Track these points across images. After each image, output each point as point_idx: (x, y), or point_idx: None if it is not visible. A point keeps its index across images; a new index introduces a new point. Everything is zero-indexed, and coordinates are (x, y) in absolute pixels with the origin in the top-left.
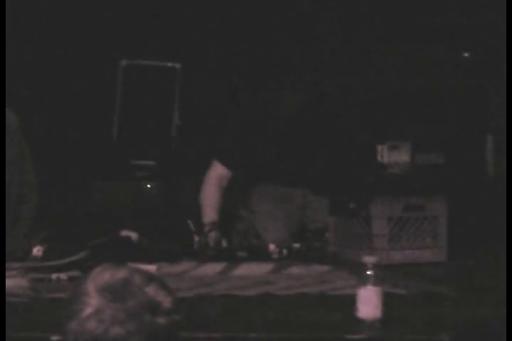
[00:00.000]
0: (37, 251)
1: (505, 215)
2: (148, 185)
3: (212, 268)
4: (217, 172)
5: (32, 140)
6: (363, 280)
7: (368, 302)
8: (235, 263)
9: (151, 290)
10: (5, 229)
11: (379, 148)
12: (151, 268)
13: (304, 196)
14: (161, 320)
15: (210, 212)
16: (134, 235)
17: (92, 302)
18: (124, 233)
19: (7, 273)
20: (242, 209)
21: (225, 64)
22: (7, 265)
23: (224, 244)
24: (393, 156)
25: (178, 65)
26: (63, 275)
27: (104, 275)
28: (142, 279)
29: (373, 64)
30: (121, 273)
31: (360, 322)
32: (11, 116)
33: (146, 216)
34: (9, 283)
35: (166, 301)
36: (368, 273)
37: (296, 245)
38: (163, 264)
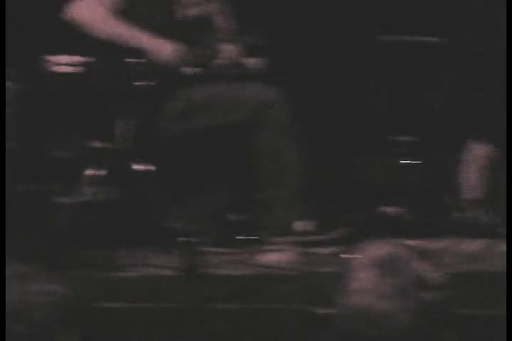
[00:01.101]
0: (301, 225)
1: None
2: (408, 161)
3: (473, 245)
4: (478, 151)
5: (294, 118)
6: None
7: None
8: (497, 240)
9: (419, 265)
10: (5, 228)
11: None
12: (412, 243)
13: None
14: (431, 296)
15: (471, 189)
16: (394, 211)
17: (361, 276)
18: (385, 209)
19: (273, 247)
20: (503, 185)
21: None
22: (273, 239)
23: (485, 220)
24: None
25: (437, 40)
26: (327, 250)
27: (372, 250)
28: (410, 254)
29: None
30: (388, 248)
31: None
32: (276, 96)
33: (406, 192)
34: (275, 257)
35: (434, 277)
36: None
37: None
38: (424, 240)
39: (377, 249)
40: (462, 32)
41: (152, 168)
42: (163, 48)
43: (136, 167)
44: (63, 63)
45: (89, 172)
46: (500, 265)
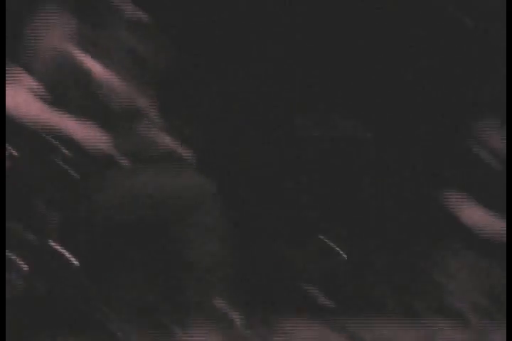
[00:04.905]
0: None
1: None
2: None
3: None
4: None
5: (229, 210)
6: None
7: None
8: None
9: None
10: (5, 228)
11: None
12: None
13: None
14: None
15: None
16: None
17: None
18: None
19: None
20: (439, 273)
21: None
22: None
23: None
24: None
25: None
26: None
27: None
28: None
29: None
30: None
31: None
32: (212, 186)
33: None
34: None
35: None
36: None
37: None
38: None
39: None
40: None
41: (76, 262)
42: (96, 138)
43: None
44: None
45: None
46: None
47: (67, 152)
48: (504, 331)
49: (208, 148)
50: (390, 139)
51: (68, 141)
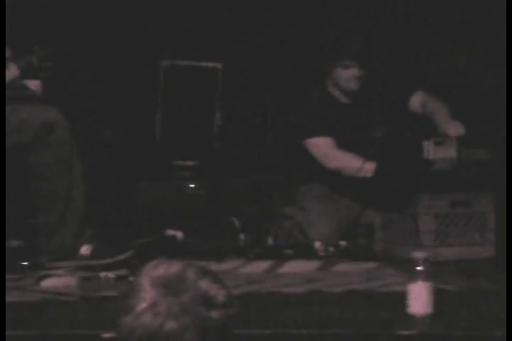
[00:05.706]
0: (85, 250)
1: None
2: (192, 185)
3: (258, 266)
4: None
5: (77, 141)
6: (414, 276)
7: (419, 298)
8: (282, 261)
9: (204, 283)
10: (5, 229)
11: (425, 143)
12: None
13: (352, 194)
14: (215, 314)
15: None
16: (179, 234)
17: (147, 296)
18: (170, 232)
19: (56, 272)
20: (289, 207)
21: (265, 64)
22: (56, 264)
23: (270, 241)
24: (439, 152)
25: (219, 65)
26: (111, 274)
27: (158, 269)
28: (196, 273)
29: (421, 57)
30: (175, 267)
31: (411, 318)
32: (59, 117)
33: (191, 215)
34: (58, 281)
35: (219, 295)
36: (418, 268)
37: (343, 242)
38: (209, 263)
39: (165, 268)
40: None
41: None
42: None
43: None
44: None
45: None
46: (285, 285)
47: None
48: (348, 261)
49: (54, 79)
50: None
51: None
